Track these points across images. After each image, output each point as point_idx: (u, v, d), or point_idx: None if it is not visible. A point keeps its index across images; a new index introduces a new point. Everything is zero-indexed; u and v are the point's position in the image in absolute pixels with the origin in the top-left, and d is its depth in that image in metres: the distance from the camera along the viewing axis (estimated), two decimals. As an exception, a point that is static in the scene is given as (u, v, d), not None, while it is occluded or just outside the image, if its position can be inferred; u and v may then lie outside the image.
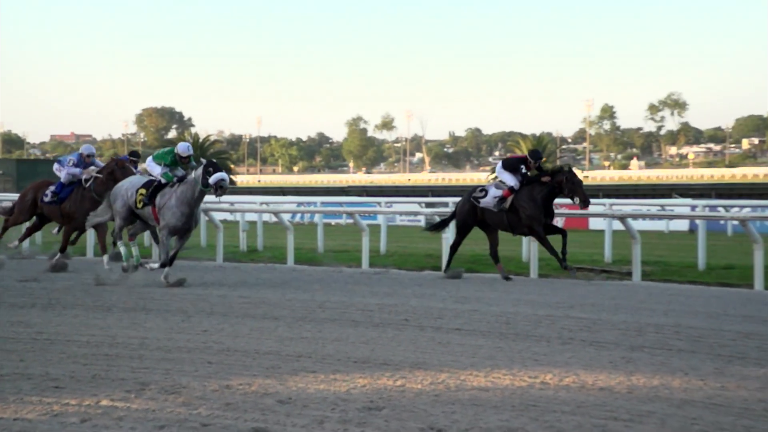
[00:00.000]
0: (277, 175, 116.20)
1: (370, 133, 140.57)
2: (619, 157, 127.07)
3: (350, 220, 21.47)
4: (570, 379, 6.10)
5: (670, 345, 7.45)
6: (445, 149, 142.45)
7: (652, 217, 22.70)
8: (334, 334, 7.94)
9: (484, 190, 13.02)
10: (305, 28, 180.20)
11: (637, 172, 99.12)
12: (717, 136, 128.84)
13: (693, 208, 22.92)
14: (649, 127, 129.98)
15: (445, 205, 24.01)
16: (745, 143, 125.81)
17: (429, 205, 24.83)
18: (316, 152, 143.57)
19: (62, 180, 13.70)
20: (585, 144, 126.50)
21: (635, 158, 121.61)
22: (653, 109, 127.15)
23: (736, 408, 5.33)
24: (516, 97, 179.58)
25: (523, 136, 74.96)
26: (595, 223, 24.88)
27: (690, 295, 10.90)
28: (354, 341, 7.61)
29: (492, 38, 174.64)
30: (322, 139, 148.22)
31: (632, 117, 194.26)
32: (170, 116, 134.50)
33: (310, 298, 10.42)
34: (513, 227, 12.77)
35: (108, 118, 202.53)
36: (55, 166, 14.28)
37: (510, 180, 12.66)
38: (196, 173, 11.57)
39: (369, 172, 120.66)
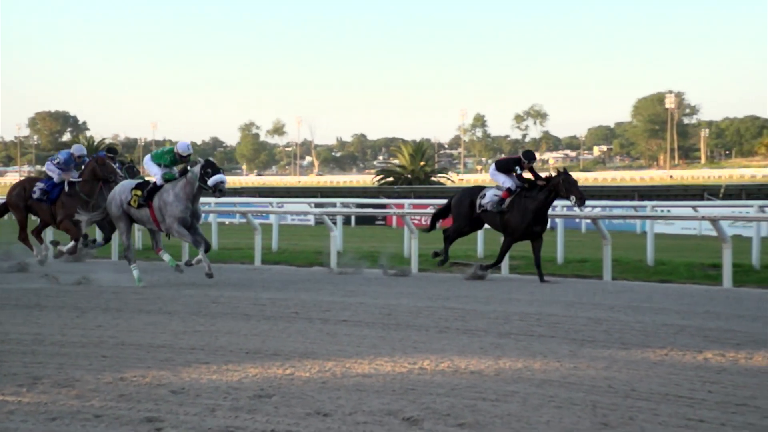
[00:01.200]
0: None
1: (262, 138, 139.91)
2: (489, 161, 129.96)
3: (243, 220, 21.27)
4: (445, 364, 6.18)
5: (533, 331, 7.62)
6: (333, 153, 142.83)
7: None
8: (226, 327, 7.81)
9: (484, 193, 12.29)
10: (199, 35, 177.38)
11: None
12: (572, 143, 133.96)
13: (552, 208, 23.52)
14: (516, 134, 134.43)
15: (333, 205, 24.13)
16: (596, 150, 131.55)
17: (318, 205, 24.86)
18: (210, 155, 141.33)
19: (55, 180, 12.81)
20: (460, 149, 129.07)
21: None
22: (518, 118, 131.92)
23: (586, 385, 5.50)
24: (398, 105, 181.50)
25: (405, 142, 75.61)
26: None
27: (552, 286, 11.20)
28: (246, 333, 7.51)
29: (377, 50, 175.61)
30: (216, 143, 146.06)
31: (501, 125, 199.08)
32: (64, 120, 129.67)
33: (203, 293, 10.23)
34: (506, 230, 12.05)
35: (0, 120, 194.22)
36: (47, 165, 13.32)
37: (505, 181, 12.04)
38: (194, 170, 10.95)
39: (261, 174, 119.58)
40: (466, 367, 6.07)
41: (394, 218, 27.31)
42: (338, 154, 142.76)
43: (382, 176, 56.17)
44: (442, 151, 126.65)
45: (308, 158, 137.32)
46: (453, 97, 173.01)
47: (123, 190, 11.49)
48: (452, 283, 11.67)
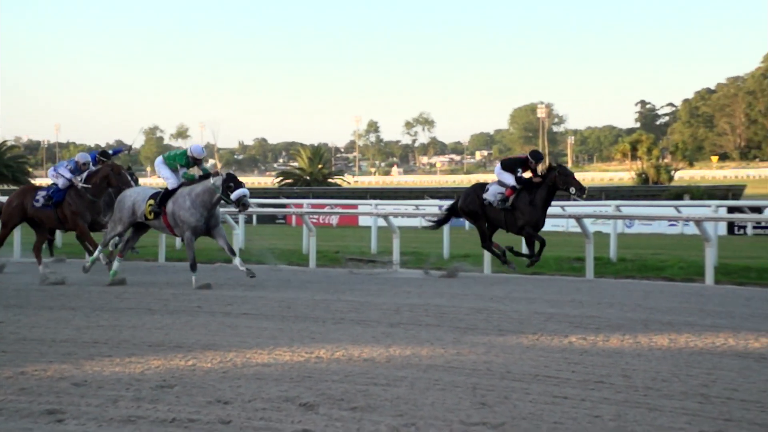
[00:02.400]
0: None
1: (166, 141, 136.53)
2: (382, 164, 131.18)
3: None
4: (340, 353, 6.17)
5: (421, 321, 7.68)
6: (235, 156, 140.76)
7: (409, 215, 23.49)
8: (130, 322, 7.58)
9: (486, 188, 11.76)
10: (103, 38, 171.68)
11: (397, 178, 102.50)
12: (457, 148, 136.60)
13: (440, 207, 23.86)
14: (406, 140, 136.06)
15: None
16: (478, 155, 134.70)
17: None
18: (114, 158, 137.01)
19: (60, 185, 11.90)
20: (355, 153, 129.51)
21: (395, 166, 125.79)
22: (409, 125, 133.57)
23: (467, 369, 5.59)
24: (297, 111, 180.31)
25: (304, 146, 75.38)
26: (363, 221, 25.62)
27: (437, 279, 11.36)
28: (149, 327, 7.31)
29: (276, 58, 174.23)
30: (121, 145, 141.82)
31: (392, 131, 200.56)
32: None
33: (107, 289, 9.92)
34: (509, 225, 11.56)
35: None
36: (51, 172, 12.44)
37: (510, 180, 11.44)
38: (215, 181, 10.15)
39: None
40: (359, 355, 6.08)
41: (294, 217, 27.18)
42: (240, 157, 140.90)
43: (282, 178, 55.77)
44: (338, 155, 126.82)
45: (211, 161, 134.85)
46: (348, 104, 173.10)
47: (138, 199, 10.63)
48: (347, 277, 11.69)
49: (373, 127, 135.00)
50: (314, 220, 17.99)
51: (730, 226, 23.14)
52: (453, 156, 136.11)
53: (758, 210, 22.33)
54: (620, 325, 7.32)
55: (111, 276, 10.47)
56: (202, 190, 10.21)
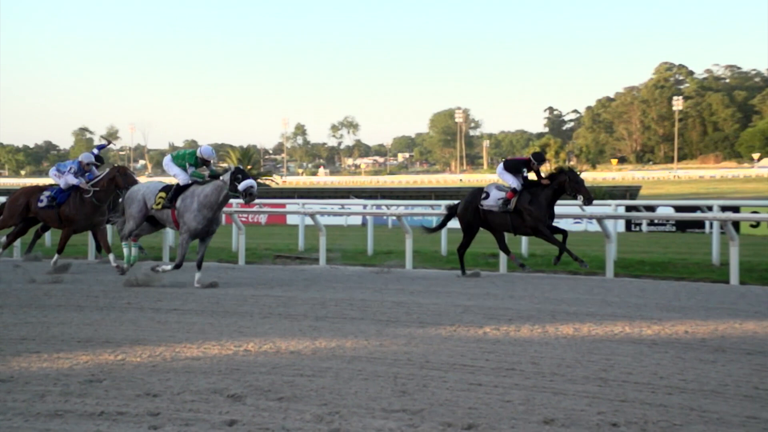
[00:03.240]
0: (4, 178, 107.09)
1: (96, 142, 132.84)
2: (309, 166, 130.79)
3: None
4: (268, 346, 6.11)
5: (345, 314, 7.67)
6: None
7: (335, 213, 23.46)
8: (59, 319, 7.32)
9: (486, 193, 11.16)
10: (31, 39, 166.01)
11: (323, 178, 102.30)
12: (381, 150, 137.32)
13: (364, 206, 23.94)
14: (332, 142, 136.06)
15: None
16: (400, 157, 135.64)
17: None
18: (43, 158, 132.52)
19: (61, 186, 11.59)
20: (283, 155, 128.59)
21: (322, 167, 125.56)
22: (335, 128, 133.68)
23: (389, 359, 5.61)
24: (226, 113, 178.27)
25: (233, 147, 74.41)
26: (291, 219, 25.47)
27: (361, 275, 11.35)
28: (78, 323, 7.07)
29: (206, 61, 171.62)
30: (50, 146, 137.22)
31: (319, 134, 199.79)
32: None
33: (36, 287, 9.54)
34: (515, 228, 11.05)
35: None
36: (52, 171, 12.01)
37: (512, 181, 10.98)
38: (224, 178, 9.84)
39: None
40: (286, 348, 6.03)
41: (223, 216, 26.75)
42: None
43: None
44: (267, 156, 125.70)
45: (142, 161, 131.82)
46: (276, 107, 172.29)
47: (148, 192, 10.36)
48: (276, 272, 11.59)
49: (300, 130, 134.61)
50: (243, 219, 17.77)
51: (628, 223, 23.89)
52: (377, 158, 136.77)
53: (652, 209, 23.17)
54: (530, 316, 7.45)
55: (132, 261, 10.35)
56: (211, 191, 9.91)
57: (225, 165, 10.79)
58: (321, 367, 5.36)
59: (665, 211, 22.62)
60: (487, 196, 11.05)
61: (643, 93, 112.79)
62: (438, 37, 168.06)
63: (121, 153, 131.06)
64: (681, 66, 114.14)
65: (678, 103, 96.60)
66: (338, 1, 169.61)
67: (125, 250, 10.44)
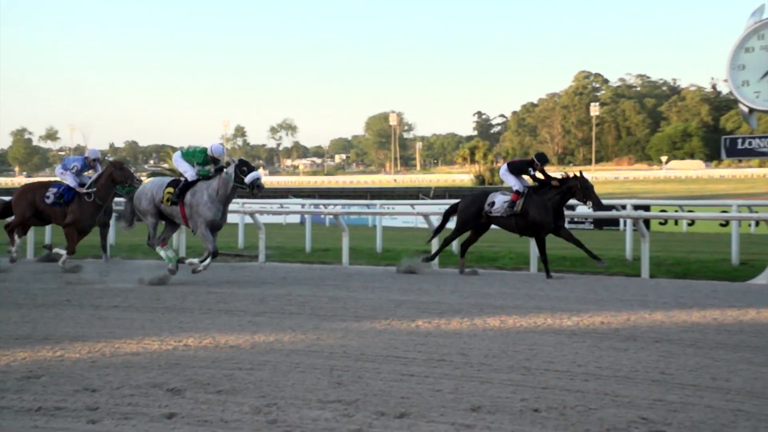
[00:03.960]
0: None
1: (35, 143, 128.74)
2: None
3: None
4: (207, 340, 6.01)
5: (284, 310, 7.61)
6: (107, 158, 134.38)
7: (274, 213, 23.28)
8: (-2, 316, 7.05)
9: (492, 201, 10.80)
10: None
11: (263, 179, 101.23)
12: (318, 152, 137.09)
13: (303, 205, 23.84)
14: (271, 144, 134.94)
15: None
16: (337, 158, 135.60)
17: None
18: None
19: (69, 183, 11.10)
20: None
21: (261, 167, 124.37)
22: (274, 130, 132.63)
23: (325, 353, 5.58)
24: (167, 114, 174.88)
25: (174, 148, 72.99)
26: (231, 218, 24.98)
27: (299, 271, 11.30)
28: (17, 321, 6.82)
29: (148, 63, 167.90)
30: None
31: (259, 135, 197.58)
32: None
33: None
34: (520, 229, 10.72)
35: None
36: (58, 169, 11.43)
37: (515, 183, 10.69)
38: (229, 171, 9.58)
39: (30, 176, 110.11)
40: (226, 342, 5.94)
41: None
42: (111, 159, 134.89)
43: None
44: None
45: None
46: (217, 109, 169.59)
47: (155, 186, 10.03)
48: (217, 269, 11.40)
49: (240, 131, 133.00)
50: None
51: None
52: (314, 159, 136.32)
53: (572, 208, 23.65)
54: (460, 309, 7.52)
55: (173, 261, 9.86)
56: (218, 185, 9.64)
57: (227, 159, 10.67)
58: (259, 361, 5.30)
59: (584, 210, 23.18)
60: (493, 204, 10.78)
61: (563, 99, 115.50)
62: (373, 43, 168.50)
63: (60, 153, 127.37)
64: (597, 74, 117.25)
65: (595, 109, 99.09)
66: (276, 5, 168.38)
67: (162, 253, 9.99)
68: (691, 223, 23.04)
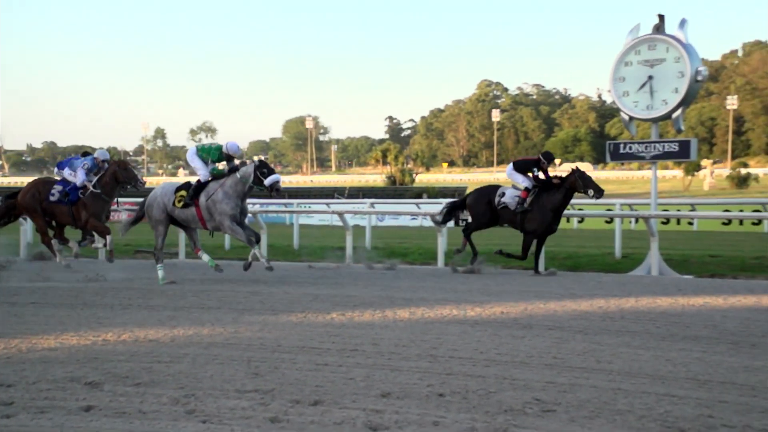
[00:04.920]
0: None
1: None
2: (170, 167, 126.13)
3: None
4: (126, 335, 5.82)
5: (203, 304, 7.46)
6: (24, 158, 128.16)
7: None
8: None
9: (503, 192, 10.48)
10: None
11: (185, 178, 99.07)
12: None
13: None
14: (191, 145, 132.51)
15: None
16: (256, 159, 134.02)
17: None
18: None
19: (77, 184, 10.50)
20: (143, 156, 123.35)
21: (181, 168, 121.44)
22: (193, 132, 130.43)
23: (243, 345, 5.51)
24: (87, 116, 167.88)
25: (93, 149, 70.27)
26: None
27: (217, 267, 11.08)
28: (-69, 320, 6.43)
29: (67, 63, 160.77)
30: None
31: (179, 137, 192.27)
32: None
33: None
34: (522, 226, 10.34)
35: None
36: (66, 170, 10.74)
37: (523, 180, 10.28)
38: (246, 170, 9.01)
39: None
40: (145, 337, 5.78)
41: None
42: (29, 159, 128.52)
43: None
44: (128, 158, 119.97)
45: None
46: (136, 111, 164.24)
47: (165, 192, 9.40)
48: (137, 267, 11.05)
49: (160, 133, 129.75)
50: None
51: (457, 219, 24.77)
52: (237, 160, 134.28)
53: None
54: (372, 302, 7.53)
55: (211, 265, 9.35)
56: (232, 183, 9.10)
57: (254, 161, 10.14)
58: (178, 354, 5.18)
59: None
60: (504, 194, 10.47)
61: (467, 106, 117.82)
62: (292, 50, 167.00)
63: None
64: (498, 83, 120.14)
65: (496, 115, 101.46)
66: (195, 9, 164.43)
67: (204, 258, 9.44)
68: (581, 220, 23.92)
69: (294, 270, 10.85)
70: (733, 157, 73.71)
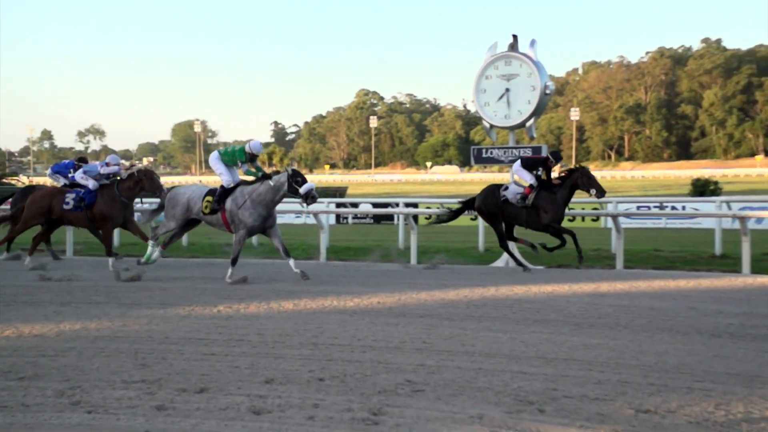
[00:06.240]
0: None
1: None
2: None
3: None
4: (10, 331, 5.43)
5: (91, 299, 7.06)
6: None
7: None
8: None
9: (506, 186, 10.06)
10: None
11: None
12: (127, 155, 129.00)
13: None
14: (79, 147, 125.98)
15: None
16: (145, 160, 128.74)
17: None
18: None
19: (90, 187, 9.90)
20: (29, 157, 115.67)
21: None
22: (81, 134, 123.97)
23: (131, 337, 5.28)
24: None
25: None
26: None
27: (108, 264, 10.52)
28: None
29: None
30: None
31: (67, 139, 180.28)
32: None
33: None
34: (529, 222, 9.89)
35: None
36: (79, 174, 10.15)
37: (528, 178, 9.82)
38: (279, 179, 8.44)
39: None
40: (30, 332, 5.40)
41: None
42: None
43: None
44: (13, 158, 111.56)
45: None
46: (22, 112, 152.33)
47: (193, 197, 8.82)
48: (12, 265, 10.27)
49: (47, 135, 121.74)
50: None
51: (338, 217, 24.91)
52: (123, 161, 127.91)
53: (356, 205, 24.39)
54: (258, 295, 7.41)
55: (151, 261, 9.03)
56: (264, 190, 8.52)
57: (288, 170, 9.31)
58: (64, 348, 4.89)
59: (365, 207, 23.92)
60: (507, 188, 10.08)
61: (347, 112, 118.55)
62: (180, 55, 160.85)
63: None
64: (375, 92, 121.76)
65: (373, 122, 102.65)
66: (82, 11, 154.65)
67: (150, 249, 9.03)
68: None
69: (184, 266, 10.48)
70: (576, 161, 78.63)
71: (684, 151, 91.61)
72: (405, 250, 12.81)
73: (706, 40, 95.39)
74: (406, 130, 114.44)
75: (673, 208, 21.16)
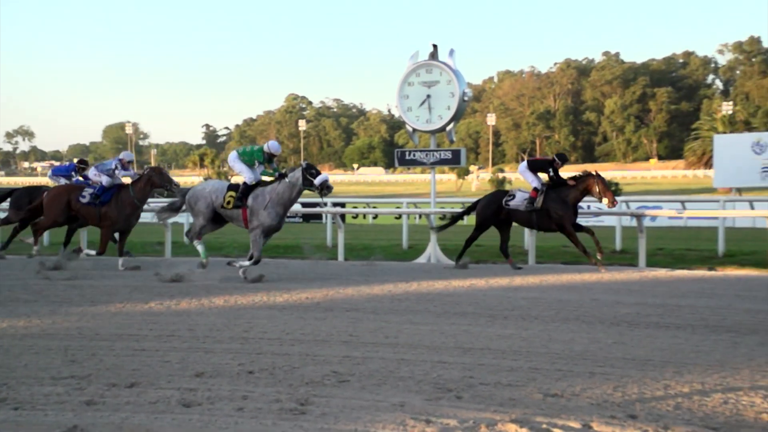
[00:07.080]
0: None
1: None
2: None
3: None
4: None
5: (19, 298, 6.71)
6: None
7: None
8: None
9: (512, 194, 9.71)
10: None
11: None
12: (57, 155, 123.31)
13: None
14: (8, 147, 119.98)
15: None
16: (76, 160, 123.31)
17: None
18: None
19: (104, 184, 9.55)
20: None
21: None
22: (9, 135, 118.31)
23: (61, 335, 5.08)
24: None
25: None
26: None
27: (35, 262, 10.00)
28: None
29: None
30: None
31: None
32: None
33: None
34: (540, 225, 9.61)
35: None
36: (92, 171, 9.94)
37: (533, 180, 9.51)
38: (294, 174, 8.21)
39: None
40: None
41: None
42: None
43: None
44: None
45: None
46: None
47: (215, 191, 8.57)
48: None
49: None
50: None
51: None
52: (53, 161, 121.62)
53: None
54: (189, 292, 7.25)
55: (205, 256, 8.78)
56: (283, 189, 8.29)
57: (302, 164, 8.73)
58: (-10, 347, 4.62)
59: (295, 207, 23.68)
60: (513, 197, 9.74)
61: (277, 116, 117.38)
62: (112, 58, 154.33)
63: None
64: (303, 97, 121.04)
65: (302, 125, 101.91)
66: (11, 13, 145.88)
67: (199, 248, 8.75)
68: (375, 216, 24.83)
69: (116, 264, 10.10)
70: (493, 164, 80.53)
71: (589, 155, 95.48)
72: (333, 248, 12.80)
73: (606, 53, 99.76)
74: (334, 134, 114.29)
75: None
